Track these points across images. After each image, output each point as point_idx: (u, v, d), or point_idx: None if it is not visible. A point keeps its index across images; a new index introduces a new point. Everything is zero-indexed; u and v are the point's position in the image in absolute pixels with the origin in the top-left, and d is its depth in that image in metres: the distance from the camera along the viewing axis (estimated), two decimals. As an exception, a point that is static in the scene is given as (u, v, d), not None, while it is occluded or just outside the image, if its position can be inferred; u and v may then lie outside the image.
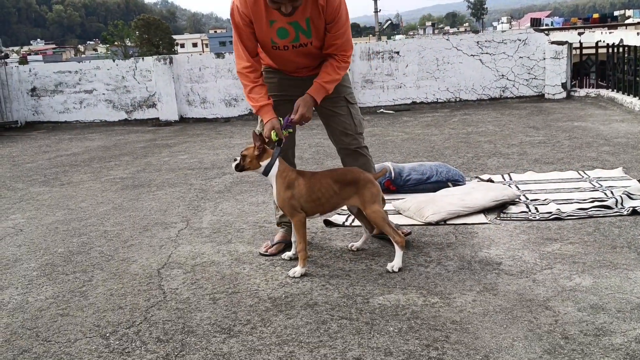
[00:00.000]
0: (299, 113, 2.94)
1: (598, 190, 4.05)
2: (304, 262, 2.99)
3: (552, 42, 9.24)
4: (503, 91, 9.55)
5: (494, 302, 2.54)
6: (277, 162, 2.97)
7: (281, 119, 3.02)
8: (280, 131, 2.97)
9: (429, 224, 3.62)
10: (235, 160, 3.01)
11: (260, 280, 2.95)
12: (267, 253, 3.29)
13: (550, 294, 2.58)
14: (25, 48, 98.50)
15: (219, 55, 10.26)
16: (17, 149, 8.26)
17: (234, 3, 2.92)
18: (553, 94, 9.28)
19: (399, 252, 2.95)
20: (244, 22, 2.93)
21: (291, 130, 3.04)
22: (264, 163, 2.96)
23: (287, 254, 3.20)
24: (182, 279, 3.04)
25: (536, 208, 3.76)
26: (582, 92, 9.27)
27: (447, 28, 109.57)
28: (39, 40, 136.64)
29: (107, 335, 2.50)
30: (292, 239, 3.15)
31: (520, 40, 9.39)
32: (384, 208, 3.05)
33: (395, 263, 2.95)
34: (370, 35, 64.48)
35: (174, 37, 63.05)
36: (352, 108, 3.18)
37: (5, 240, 3.93)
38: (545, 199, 3.93)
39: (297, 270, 2.98)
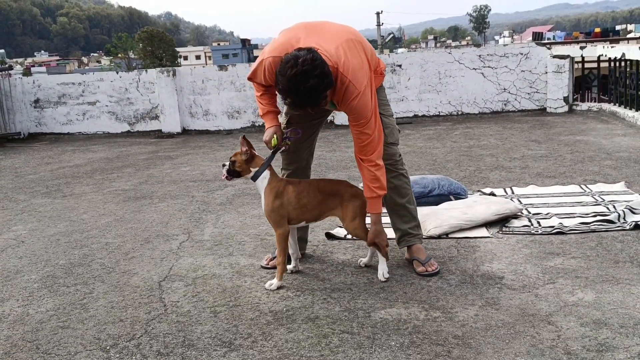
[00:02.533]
0: (378, 239, 2.98)
1: (600, 205, 4.04)
2: (281, 276, 3.01)
3: (554, 56, 9.26)
4: (505, 105, 9.56)
5: (496, 316, 2.53)
6: (267, 172, 3.00)
7: (284, 130, 3.06)
8: (281, 137, 3.00)
9: (431, 237, 3.62)
10: (224, 165, 3.03)
11: (262, 294, 2.94)
12: (268, 266, 3.28)
13: (553, 309, 2.57)
14: (29, 60, 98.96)
15: (221, 67, 10.30)
16: (20, 160, 8.27)
17: (263, 62, 2.83)
18: (555, 108, 9.29)
19: (382, 260, 3.03)
20: (265, 81, 2.90)
21: (289, 142, 3.06)
22: (254, 169, 3.00)
23: (288, 267, 3.19)
24: (183, 291, 3.04)
25: (538, 222, 3.76)
26: (584, 106, 9.28)
27: (449, 41, 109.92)
28: (42, 51, 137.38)
29: (108, 348, 2.49)
30: (291, 251, 3.16)
31: (522, 54, 9.42)
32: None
33: (382, 269, 3.02)
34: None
35: (178, 49, 63.40)
36: (384, 118, 3.09)
37: (6, 251, 3.93)
38: (547, 213, 3.92)
39: (274, 282, 3.00)
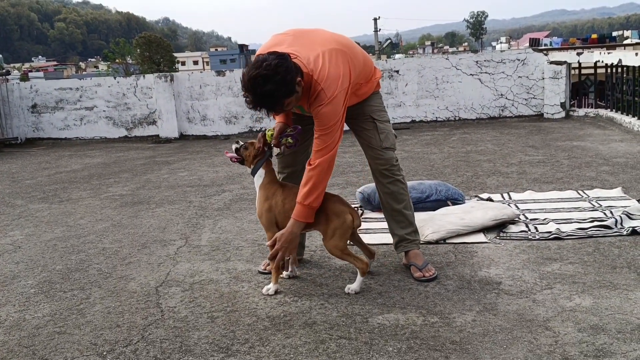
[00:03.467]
0: (279, 244, 2.86)
1: (597, 210, 4.05)
2: (276, 278, 3.00)
3: (551, 62, 9.29)
4: (502, 110, 9.59)
5: (493, 322, 2.53)
6: (262, 171, 3.02)
7: (290, 128, 3.02)
8: (278, 134, 2.98)
9: (429, 242, 3.62)
10: (237, 143, 3.08)
11: (259, 299, 2.94)
12: (265, 271, 3.27)
13: (550, 314, 2.56)
14: (27, 65, 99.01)
15: (219, 73, 10.31)
16: (17, 165, 8.26)
17: None
18: (552, 114, 9.31)
19: (359, 278, 2.94)
20: None
21: (291, 141, 3.03)
22: (254, 164, 3.05)
23: (285, 273, 3.18)
24: (180, 297, 3.03)
25: (536, 227, 3.76)
26: (581, 111, 9.31)
27: (446, 47, 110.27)
28: (40, 57, 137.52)
29: (104, 353, 2.48)
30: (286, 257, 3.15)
31: (519, 60, 9.45)
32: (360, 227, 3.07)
33: (353, 286, 2.94)
34: (370, 55, 64.89)
35: (175, 54, 63.38)
36: (379, 123, 3.12)
37: (3, 257, 3.92)
38: (544, 219, 3.93)
39: (270, 287, 2.99)
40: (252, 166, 3.06)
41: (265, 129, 3.07)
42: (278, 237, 2.89)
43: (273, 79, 2.57)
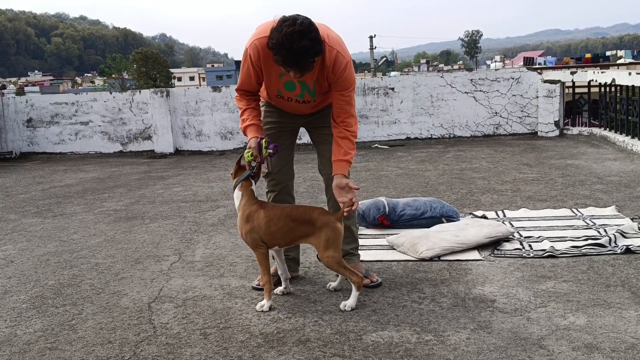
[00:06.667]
0: (348, 197, 2.94)
1: (591, 229, 4.06)
2: (269, 295, 3.00)
3: (545, 81, 9.36)
4: (496, 128, 9.63)
5: (488, 340, 2.52)
6: (239, 192, 3.03)
7: (264, 140, 3.02)
8: (257, 151, 2.98)
9: (423, 259, 3.61)
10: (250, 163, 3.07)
11: (252, 316, 2.92)
12: (259, 287, 3.26)
13: (545, 333, 2.56)
14: (23, 79, 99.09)
15: (215, 89, 10.34)
16: (11, 179, 8.23)
17: (247, 51, 2.95)
18: (546, 132, 9.36)
19: (354, 293, 2.93)
20: (253, 70, 3.00)
21: (272, 151, 3.03)
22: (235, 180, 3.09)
23: (279, 289, 3.17)
24: (173, 313, 3.01)
25: (530, 245, 3.76)
26: (575, 130, 9.36)
27: (441, 65, 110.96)
28: (36, 71, 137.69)
29: (96, 370, 2.45)
30: (279, 272, 3.15)
31: (513, 78, 9.51)
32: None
33: (349, 302, 2.93)
34: (366, 72, 65.24)
35: (172, 70, 63.55)
36: None
37: (-5, 271, 3.89)
38: (539, 237, 3.93)
39: (264, 303, 2.98)
40: (234, 181, 3.09)
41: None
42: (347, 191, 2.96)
43: (308, 36, 2.68)
